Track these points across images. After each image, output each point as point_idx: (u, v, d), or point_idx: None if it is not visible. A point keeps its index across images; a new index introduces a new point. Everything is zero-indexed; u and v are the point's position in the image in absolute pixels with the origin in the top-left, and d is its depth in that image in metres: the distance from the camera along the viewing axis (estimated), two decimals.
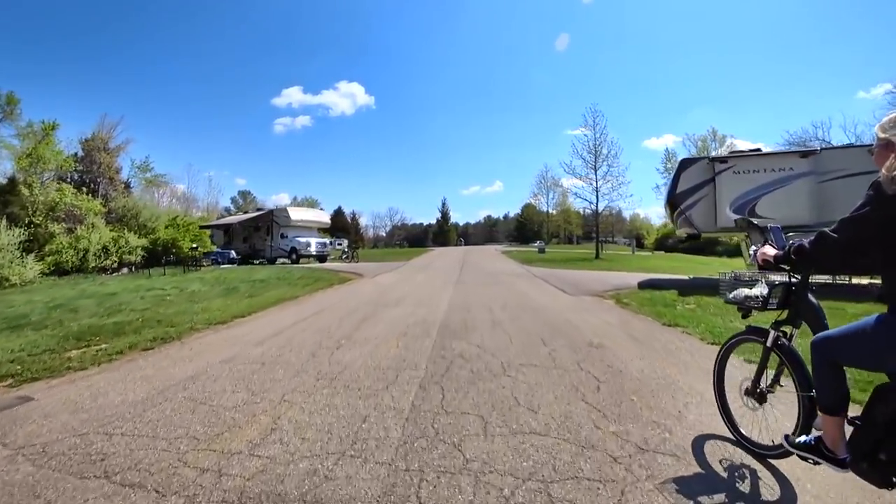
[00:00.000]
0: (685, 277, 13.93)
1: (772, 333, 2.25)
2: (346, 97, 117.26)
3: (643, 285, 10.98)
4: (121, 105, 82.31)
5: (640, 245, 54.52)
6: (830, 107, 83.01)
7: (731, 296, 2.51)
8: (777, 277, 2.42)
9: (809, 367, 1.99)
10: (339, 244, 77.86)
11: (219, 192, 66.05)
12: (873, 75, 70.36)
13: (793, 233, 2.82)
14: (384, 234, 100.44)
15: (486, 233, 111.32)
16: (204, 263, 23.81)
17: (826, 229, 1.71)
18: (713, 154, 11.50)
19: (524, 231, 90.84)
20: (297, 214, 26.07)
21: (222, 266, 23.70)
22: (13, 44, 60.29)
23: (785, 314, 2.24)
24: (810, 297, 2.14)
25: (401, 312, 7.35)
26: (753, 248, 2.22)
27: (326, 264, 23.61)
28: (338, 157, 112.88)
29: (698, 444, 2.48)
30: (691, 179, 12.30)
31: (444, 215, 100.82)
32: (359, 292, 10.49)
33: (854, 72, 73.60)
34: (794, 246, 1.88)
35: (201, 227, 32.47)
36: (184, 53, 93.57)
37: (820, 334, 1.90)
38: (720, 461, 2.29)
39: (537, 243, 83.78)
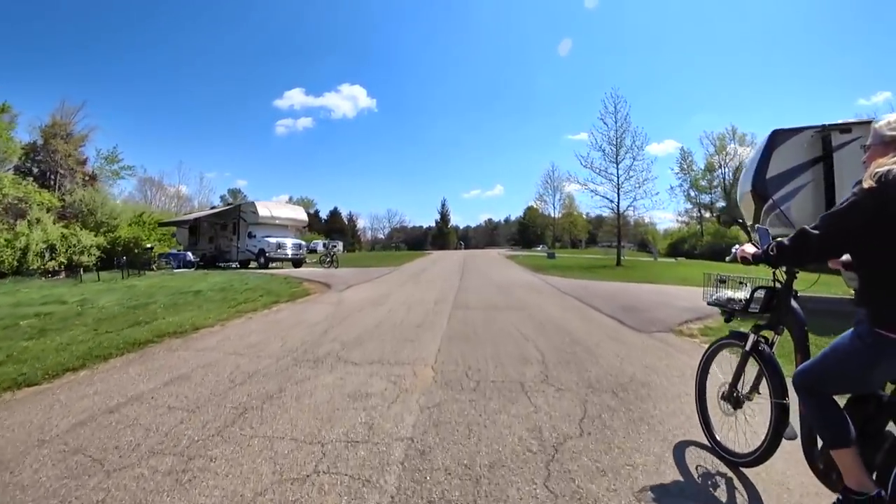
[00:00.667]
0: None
1: (751, 337, 2.23)
2: (349, 99, 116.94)
3: None
4: (119, 106, 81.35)
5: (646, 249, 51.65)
6: (830, 114, 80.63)
7: (713, 298, 2.50)
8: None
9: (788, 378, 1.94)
10: (334, 246, 73.72)
11: (210, 191, 62.58)
12: (873, 83, 75.19)
13: None
14: (382, 237, 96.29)
15: (487, 236, 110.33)
16: (153, 267, 19.95)
17: (806, 226, 1.67)
18: (822, 123, 6.95)
19: (527, 234, 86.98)
20: (267, 210, 22.25)
21: (175, 271, 19.83)
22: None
23: (765, 320, 2.21)
24: (793, 302, 2.09)
25: (333, 381, 3.80)
26: (736, 247, 2.16)
27: (302, 270, 19.85)
28: (339, 159, 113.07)
29: (678, 450, 2.46)
30: (789, 158, 8.77)
31: (444, 217, 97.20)
32: (301, 321, 6.79)
33: (854, 79, 76.63)
34: (774, 244, 1.81)
35: (162, 224, 28.72)
36: (186, 54, 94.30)
37: (798, 369, 1.87)
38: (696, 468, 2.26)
39: (541, 247, 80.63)
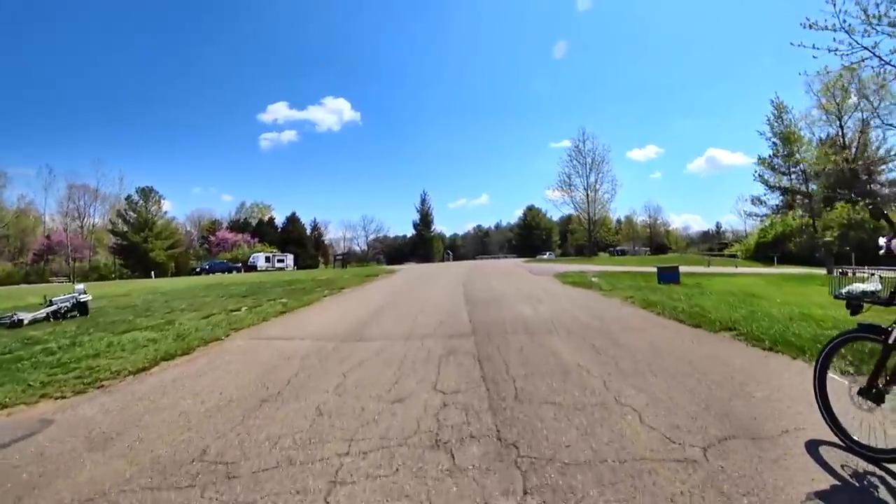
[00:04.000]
0: None
1: (895, 331, 2.19)
2: (333, 113, 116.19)
3: None
4: (102, 120, 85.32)
5: (659, 251, 41.85)
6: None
7: (844, 291, 2.49)
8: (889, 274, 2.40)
9: None
10: (280, 260, 54.41)
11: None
12: None
13: None
14: (359, 248, 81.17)
15: (477, 244, 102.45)
16: None
17: None
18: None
19: (529, 240, 72.93)
20: None
21: None
22: None
23: None
24: None
25: None
26: (884, 238, 2.26)
27: None
28: (324, 172, 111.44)
29: (810, 449, 2.33)
30: None
31: (425, 218, 79.12)
32: None
33: None
34: None
35: None
36: (166, 69, 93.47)
37: None
38: (841, 466, 2.17)
39: (547, 254, 67.55)
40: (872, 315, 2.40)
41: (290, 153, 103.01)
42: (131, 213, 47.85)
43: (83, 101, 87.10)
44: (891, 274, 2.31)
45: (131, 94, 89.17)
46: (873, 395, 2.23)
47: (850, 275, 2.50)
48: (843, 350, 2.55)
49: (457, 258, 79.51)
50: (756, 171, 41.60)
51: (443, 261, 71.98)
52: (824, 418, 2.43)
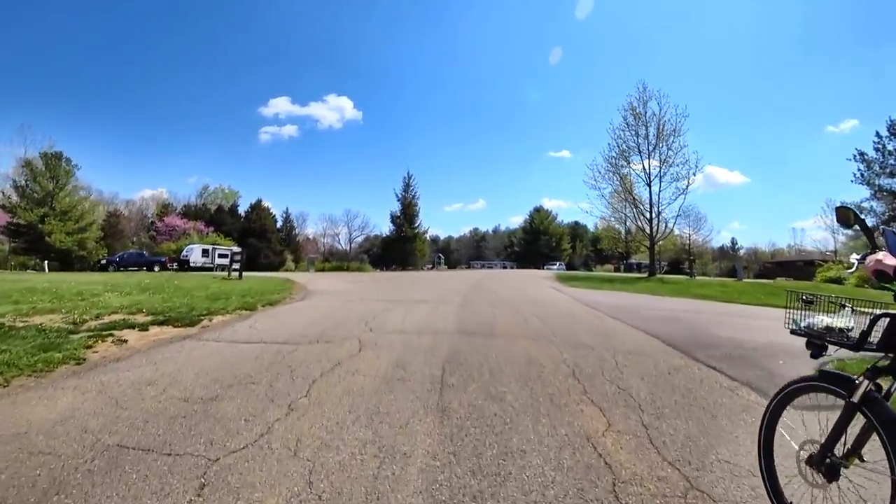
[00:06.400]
0: None
1: (863, 385, 1.65)
2: (335, 110, 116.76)
3: None
4: (105, 110, 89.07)
5: (692, 270, 28.05)
6: (800, 139, 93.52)
7: (803, 324, 1.96)
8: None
9: None
10: (223, 255, 43.03)
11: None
12: (841, 111, 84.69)
13: None
14: (342, 247, 71.19)
15: (472, 249, 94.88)
16: None
17: None
18: None
19: (536, 247, 62.94)
20: None
21: None
22: None
23: (888, 361, 1.64)
24: None
25: None
26: (857, 255, 1.76)
27: None
28: (323, 169, 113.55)
29: None
30: None
31: (407, 209, 59.00)
32: None
33: (821, 108, 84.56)
34: None
35: None
36: (170, 59, 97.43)
37: None
38: None
39: (557, 265, 57.53)
40: None
41: (290, 148, 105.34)
42: (35, 186, 37.08)
43: (89, 91, 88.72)
44: (867, 308, 1.80)
45: (130, 79, 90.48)
46: (826, 467, 1.74)
47: (815, 302, 1.93)
48: (796, 401, 2.01)
49: (449, 265, 68.84)
50: (859, 170, 32.06)
51: (431, 269, 60.65)
52: (767, 490, 2.00)
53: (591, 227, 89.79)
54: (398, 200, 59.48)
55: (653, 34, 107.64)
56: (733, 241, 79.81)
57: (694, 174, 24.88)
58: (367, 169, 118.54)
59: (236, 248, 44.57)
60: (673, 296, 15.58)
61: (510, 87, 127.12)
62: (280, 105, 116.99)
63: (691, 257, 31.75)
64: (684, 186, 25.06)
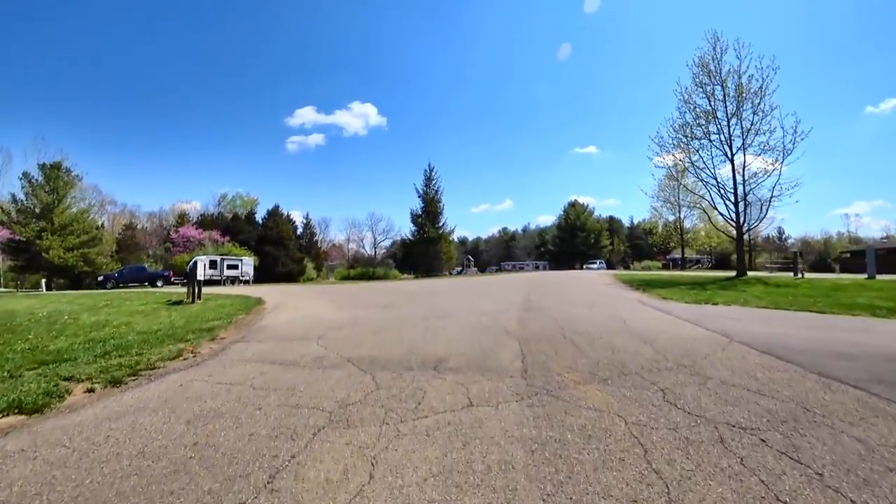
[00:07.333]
0: None
1: None
2: (360, 117, 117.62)
3: None
4: (132, 125, 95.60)
5: (796, 267, 20.66)
6: (840, 121, 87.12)
7: None
8: None
9: None
10: (233, 266, 39.43)
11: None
12: (881, 91, 77.74)
13: None
14: (367, 253, 67.91)
15: (502, 250, 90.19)
16: None
17: None
18: None
19: (572, 244, 57.32)
20: None
21: None
22: None
23: None
24: None
25: None
26: None
27: None
28: (349, 175, 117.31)
29: None
30: None
31: (430, 206, 52.91)
32: None
33: (861, 87, 74.58)
34: None
35: None
36: (196, 71, 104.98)
37: None
38: None
39: (597, 264, 51.61)
40: None
41: (316, 156, 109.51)
42: (33, 199, 34.87)
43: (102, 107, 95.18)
44: None
45: (159, 93, 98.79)
46: None
47: None
48: None
49: (478, 267, 63.87)
50: None
51: (461, 272, 55.81)
52: None
53: (625, 221, 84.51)
54: (419, 197, 53.63)
55: (659, 27, 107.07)
56: (779, 231, 71.45)
57: (794, 143, 18.97)
58: (392, 173, 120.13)
59: (248, 259, 41.47)
60: (837, 311, 9.55)
61: (529, 85, 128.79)
62: (306, 115, 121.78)
63: (796, 251, 25.29)
64: (780, 159, 19.34)
